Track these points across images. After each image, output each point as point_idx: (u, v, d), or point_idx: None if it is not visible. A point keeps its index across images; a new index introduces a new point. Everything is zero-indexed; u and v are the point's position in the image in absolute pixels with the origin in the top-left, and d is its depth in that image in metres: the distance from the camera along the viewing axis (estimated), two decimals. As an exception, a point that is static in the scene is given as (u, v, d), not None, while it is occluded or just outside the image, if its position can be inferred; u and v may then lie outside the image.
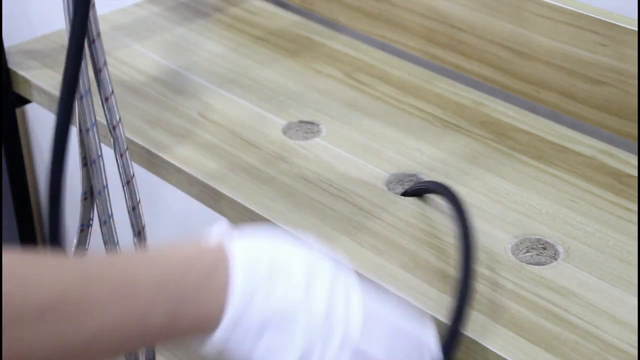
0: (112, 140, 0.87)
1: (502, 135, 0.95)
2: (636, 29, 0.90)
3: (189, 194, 0.90)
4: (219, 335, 0.59)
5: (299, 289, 0.60)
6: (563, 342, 0.70)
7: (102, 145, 0.86)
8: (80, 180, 0.87)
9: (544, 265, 0.78)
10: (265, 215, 0.83)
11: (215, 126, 0.96)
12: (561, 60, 0.97)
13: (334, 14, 1.16)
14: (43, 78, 1.03)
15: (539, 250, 0.80)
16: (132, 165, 0.88)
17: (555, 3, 0.95)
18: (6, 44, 1.05)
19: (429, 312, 0.72)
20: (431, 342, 0.65)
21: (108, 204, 0.87)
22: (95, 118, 0.84)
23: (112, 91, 0.85)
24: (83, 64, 0.79)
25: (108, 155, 0.87)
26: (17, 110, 1.09)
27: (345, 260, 0.65)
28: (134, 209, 0.89)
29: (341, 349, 0.60)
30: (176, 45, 1.11)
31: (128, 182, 0.88)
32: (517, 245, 0.80)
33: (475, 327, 0.71)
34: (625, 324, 0.72)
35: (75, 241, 0.90)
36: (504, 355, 0.69)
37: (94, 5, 0.79)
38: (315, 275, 0.61)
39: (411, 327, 0.65)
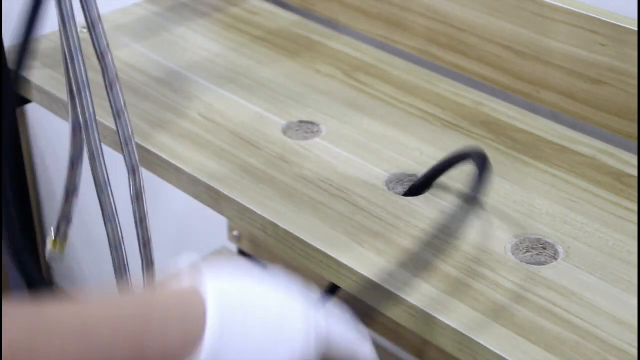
0: (116, 126, 0.87)
1: (502, 135, 0.95)
2: (636, 29, 0.90)
3: (189, 194, 0.90)
4: None
5: (272, 335, 0.61)
6: (563, 342, 0.70)
7: (102, 145, 0.86)
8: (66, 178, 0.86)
9: (544, 265, 0.78)
10: (265, 215, 0.83)
11: (215, 126, 0.96)
12: (561, 60, 0.97)
13: (334, 14, 1.16)
14: (43, 78, 1.03)
15: (539, 250, 0.80)
16: (137, 155, 0.89)
17: (555, 3, 0.95)
18: (6, 44, 1.05)
19: (429, 312, 0.73)
20: None
21: (111, 197, 0.88)
22: (94, 111, 0.84)
23: (117, 75, 0.85)
24: (80, 58, 0.79)
25: (108, 153, 0.87)
26: (17, 111, 1.09)
27: (312, 289, 0.65)
28: (137, 199, 0.89)
29: None
30: (176, 45, 1.12)
31: (134, 171, 0.88)
32: (517, 245, 0.80)
33: (475, 327, 0.71)
34: (625, 324, 0.72)
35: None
36: (503, 355, 0.69)
37: None
38: (288, 320, 0.62)
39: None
